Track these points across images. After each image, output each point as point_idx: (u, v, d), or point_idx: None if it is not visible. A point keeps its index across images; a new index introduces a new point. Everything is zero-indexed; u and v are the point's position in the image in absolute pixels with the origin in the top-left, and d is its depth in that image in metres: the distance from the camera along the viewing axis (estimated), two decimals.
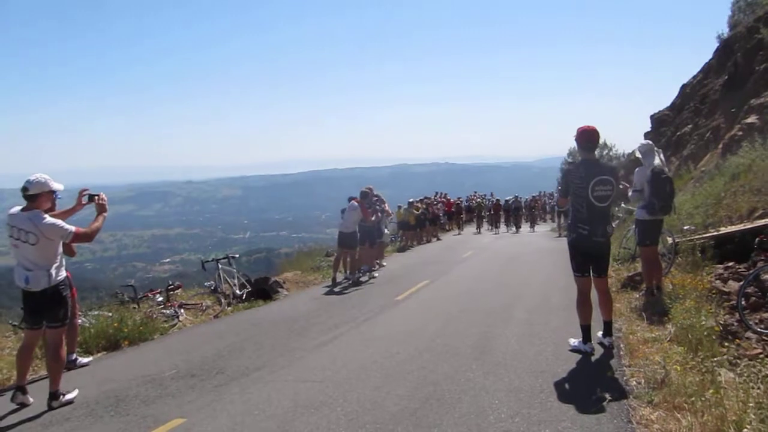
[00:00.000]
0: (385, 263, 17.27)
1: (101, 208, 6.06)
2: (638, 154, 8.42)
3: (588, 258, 6.15)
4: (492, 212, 34.33)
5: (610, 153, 39.80)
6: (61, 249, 5.79)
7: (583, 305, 6.20)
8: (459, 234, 31.37)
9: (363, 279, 13.94)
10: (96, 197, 6.15)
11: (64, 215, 6.38)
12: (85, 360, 7.46)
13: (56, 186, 5.86)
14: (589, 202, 5.86)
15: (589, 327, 6.20)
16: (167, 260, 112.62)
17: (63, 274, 5.78)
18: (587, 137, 6.03)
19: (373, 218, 14.31)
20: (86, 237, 5.82)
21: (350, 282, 13.53)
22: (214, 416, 5.11)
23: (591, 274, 6.17)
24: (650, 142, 8.76)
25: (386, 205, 16.89)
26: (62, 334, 5.88)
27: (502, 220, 34.26)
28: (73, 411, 5.50)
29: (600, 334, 6.25)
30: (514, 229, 32.75)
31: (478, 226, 34.31)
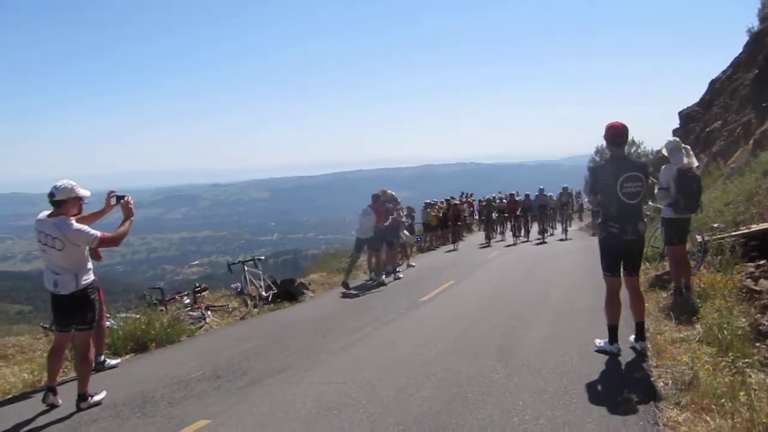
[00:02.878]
0: (413, 263, 17.35)
1: (128, 212, 6.09)
2: (665, 152, 8.28)
3: (619, 256, 6.07)
4: (506, 214, 27.02)
5: (638, 150, 38.98)
6: (87, 253, 5.85)
7: (612, 305, 6.11)
8: (454, 249, 22.83)
9: (387, 280, 13.95)
10: (123, 199, 6.16)
11: (93, 218, 6.46)
12: (113, 362, 7.57)
13: (83, 192, 5.88)
14: (618, 199, 5.75)
15: (616, 327, 6.11)
16: (196, 262, 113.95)
17: (91, 277, 5.85)
18: (615, 133, 5.94)
19: (387, 222, 14.12)
20: (112, 242, 5.89)
21: (375, 283, 13.57)
22: (238, 417, 5.14)
23: (621, 274, 6.09)
24: (677, 139, 8.61)
25: (400, 208, 16.66)
26: (90, 336, 5.96)
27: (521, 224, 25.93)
28: (101, 412, 5.58)
29: (632, 338, 6.11)
30: (537, 236, 24.91)
31: (488, 236, 24.80)
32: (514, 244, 23.37)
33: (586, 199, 29.93)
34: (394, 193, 15.67)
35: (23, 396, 6.50)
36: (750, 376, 4.35)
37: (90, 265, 5.91)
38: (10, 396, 6.50)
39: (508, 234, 27.10)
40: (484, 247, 23.22)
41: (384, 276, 14.06)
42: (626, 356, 5.94)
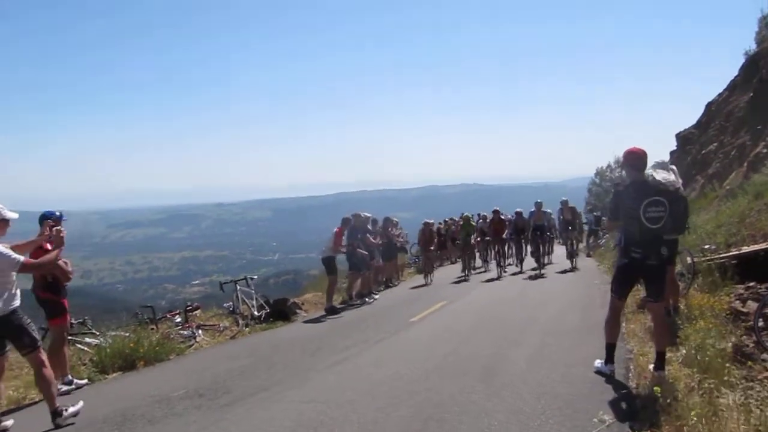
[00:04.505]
0: (376, 296, 14.96)
1: (58, 241, 6.08)
2: (651, 172, 8.30)
3: (635, 282, 6.19)
4: (488, 237, 20.24)
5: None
6: (13, 278, 5.65)
7: (613, 323, 6.14)
8: (425, 285, 17.41)
9: (356, 302, 13.88)
10: (55, 227, 6.23)
11: (29, 246, 6.45)
12: (81, 382, 7.53)
13: (10, 215, 5.77)
14: (641, 224, 5.68)
15: (614, 346, 6.13)
16: (197, 282, 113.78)
17: (16, 303, 5.69)
18: (636, 158, 5.90)
19: (342, 247, 13.83)
20: (37, 268, 5.92)
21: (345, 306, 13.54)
22: None
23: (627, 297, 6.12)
24: (664, 160, 8.64)
25: (399, 232, 16.61)
26: (39, 355, 5.82)
27: (511, 250, 21.44)
28: (80, 430, 5.58)
29: (651, 367, 5.90)
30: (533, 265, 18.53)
31: (466, 266, 19.32)
32: (498, 278, 17.68)
33: (585, 219, 29.20)
34: (369, 215, 15.74)
35: (7, 412, 6.46)
36: (720, 398, 4.34)
37: (16, 290, 5.72)
38: None
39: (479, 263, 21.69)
40: (460, 281, 17.83)
41: (351, 300, 14.07)
42: (607, 378, 5.92)
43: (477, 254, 21.61)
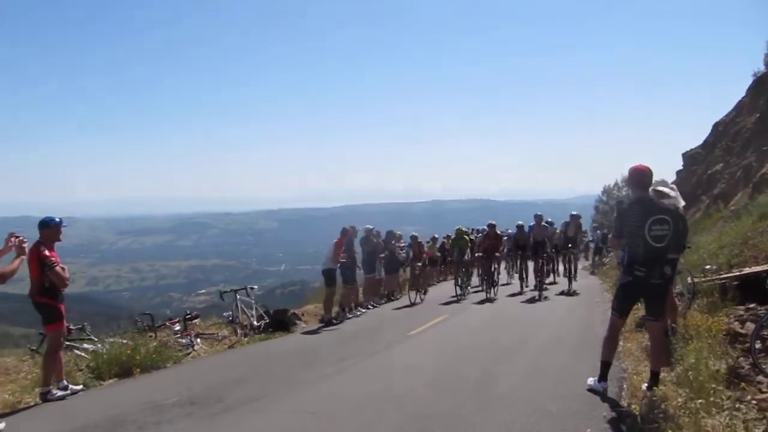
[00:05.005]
0: (361, 310, 14.78)
1: (20, 251, 6.11)
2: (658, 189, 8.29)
3: (636, 301, 6.19)
4: (481, 253, 17.57)
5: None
6: None
7: (611, 341, 6.12)
8: (411, 304, 15.74)
9: (336, 321, 13.22)
10: (16, 237, 6.22)
11: None
12: (76, 387, 7.50)
13: None
14: (646, 242, 5.65)
15: (609, 365, 6.10)
16: (203, 291, 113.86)
17: None
18: (642, 175, 5.90)
19: (342, 258, 13.77)
20: None
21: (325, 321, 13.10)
22: None
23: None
24: (664, 179, 8.63)
25: (401, 245, 16.96)
26: None
27: (508, 266, 20.69)
28: None
29: (645, 386, 5.88)
30: (528, 282, 17.90)
31: (461, 284, 17.12)
32: (489, 300, 16.03)
33: (591, 237, 28.95)
34: (371, 228, 15.95)
35: (2, 416, 6.52)
36: (703, 418, 4.31)
37: None
38: None
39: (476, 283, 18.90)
40: (450, 302, 15.95)
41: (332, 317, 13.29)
42: (601, 396, 5.89)
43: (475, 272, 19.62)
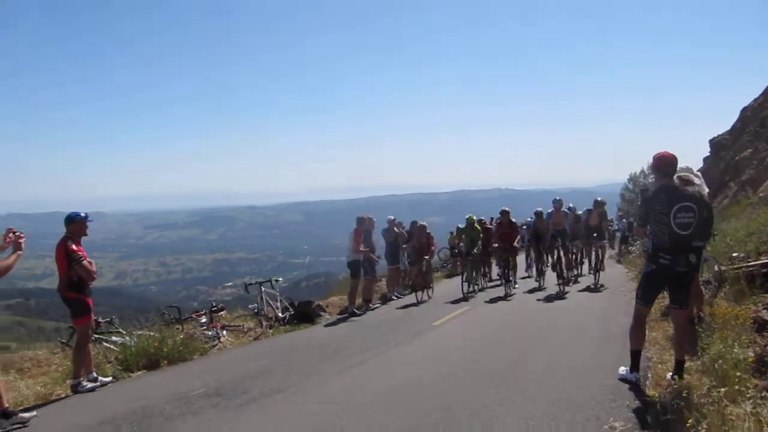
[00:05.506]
0: (375, 305, 14.37)
1: (17, 247, 6.06)
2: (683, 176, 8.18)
3: (662, 289, 6.12)
4: (496, 245, 16.21)
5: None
6: None
7: (638, 330, 6.07)
8: (415, 303, 14.08)
9: (358, 312, 13.12)
10: (14, 233, 6.14)
11: None
12: (106, 379, 7.68)
13: None
14: (671, 230, 5.58)
15: (639, 353, 6.07)
16: (229, 284, 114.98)
17: None
18: (667, 162, 5.84)
19: (362, 248, 13.58)
20: None
21: (347, 314, 12.97)
22: None
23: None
24: (689, 165, 8.52)
25: (428, 234, 15.82)
26: None
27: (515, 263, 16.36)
28: (100, 426, 5.74)
29: (669, 375, 5.85)
30: (557, 281, 14.99)
31: (467, 281, 14.85)
32: (505, 297, 14.45)
33: (617, 226, 28.51)
34: (392, 218, 15.88)
35: (35, 407, 6.70)
36: (726, 407, 4.27)
37: None
38: (22, 407, 6.67)
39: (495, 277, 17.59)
40: (458, 301, 14.02)
41: (353, 308, 13.22)
42: (623, 386, 5.86)
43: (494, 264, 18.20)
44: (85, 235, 7.59)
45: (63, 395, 7.20)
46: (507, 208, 16.26)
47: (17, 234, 6.09)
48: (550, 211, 16.18)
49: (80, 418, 6.07)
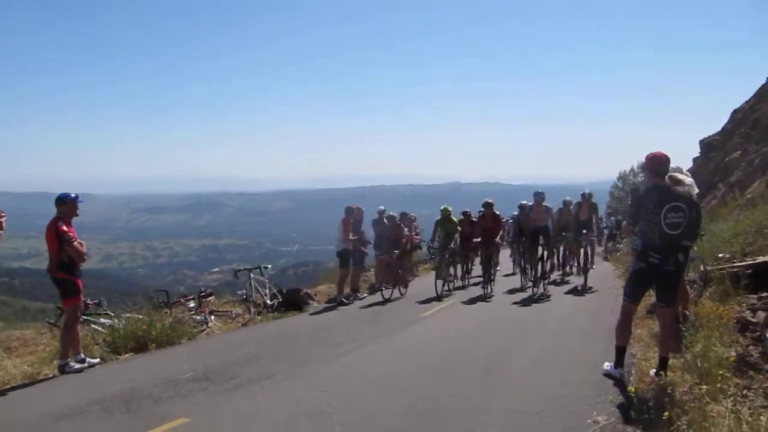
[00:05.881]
0: (362, 295, 14.25)
1: None
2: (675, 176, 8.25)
3: (649, 287, 6.23)
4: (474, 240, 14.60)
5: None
6: None
7: (624, 327, 6.16)
8: (381, 301, 12.99)
9: (346, 302, 13.08)
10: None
11: None
12: (93, 361, 7.65)
13: None
14: (661, 229, 5.65)
15: (624, 350, 6.16)
16: (216, 270, 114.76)
17: None
18: (660, 162, 5.89)
19: (352, 236, 13.53)
20: None
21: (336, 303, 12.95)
22: (216, 418, 5.32)
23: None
24: (679, 165, 8.59)
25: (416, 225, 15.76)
26: None
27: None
28: (88, 406, 5.75)
29: (653, 372, 5.94)
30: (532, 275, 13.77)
31: (441, 277, 13.66)
32: (483, 298, 13.04)
33: (605, 223, 28.46)
34: (382, 208, 15.56)
35: (22, 386, 6.74)
36: (708, 403, 4.36)
37: None
38: (9, 386, 6.73)
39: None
40: (429, 300, 12.81)
41: (343, 298, 13.20)
42: (607, 382, 5.95)
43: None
44: (76, 215, 7.58)
45: (50, 375, 7.22)
46: (491, 200, 14.59)
47: (0, 214, 6.02)
48: (530, 204, 14.90)
49: (68, 398, 6.08)
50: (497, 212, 14.55)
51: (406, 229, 15.12)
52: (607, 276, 16.43)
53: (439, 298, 12.88)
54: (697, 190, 8.60)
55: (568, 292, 13.60)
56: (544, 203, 14.28)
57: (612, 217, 28.39)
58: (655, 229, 5.68)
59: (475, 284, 14.90)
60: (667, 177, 6.22)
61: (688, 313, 7.89)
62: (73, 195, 7.57)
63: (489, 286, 13.71)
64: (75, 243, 7.27)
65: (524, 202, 15.62)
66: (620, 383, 5.81)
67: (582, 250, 15.15)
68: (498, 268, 16.55)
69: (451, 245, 14.10)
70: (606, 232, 25.65)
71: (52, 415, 5.53)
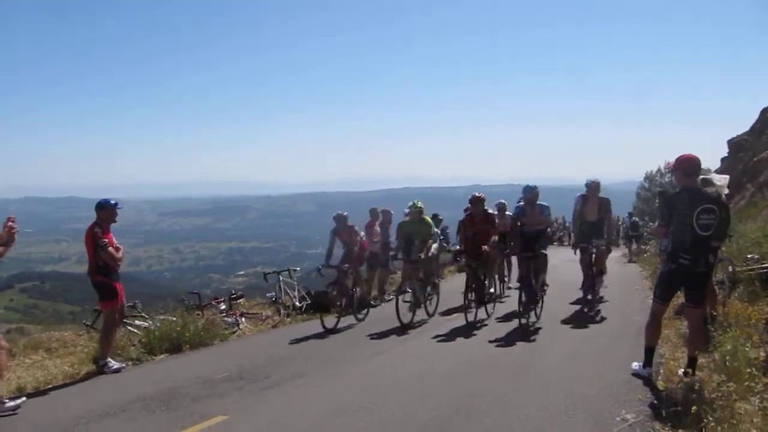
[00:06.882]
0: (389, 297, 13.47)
1: (10, 238, 6.05)
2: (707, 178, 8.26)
3: (678, 288, 6.26)
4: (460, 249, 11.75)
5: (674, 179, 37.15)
6: None
7: (653, 327, 6.20)
8: (323, 331, 9.90)
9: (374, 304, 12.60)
10: (9, 224, 6.09)
11: None
12: (116, 365, 7.69)
13: None
14: (693, 231, 5.71)
15: (653, 350, 6.21)
16: (242, 273, 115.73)
17: None
18: (691, 164, 5.93)
19: (375, 240, 13.02)
20: None
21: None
22: (254, 415, 5.52)
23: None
24: (709, 167, 8.59)
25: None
26: None
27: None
28: (130, 404, 5.99)
29: (681, 371, 6.00)
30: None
31: (414, 297, 10.42)
32: (473, 325, 9.69)
33: (626, 223, 27.88)
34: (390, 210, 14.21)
35: (63, 386, 7.00)
36: (736, 401, 4.42)
37: None
38: (51, 386, 7.00)
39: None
40: (384, 335, 9.43)
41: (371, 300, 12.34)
42: (635, 380, 6.01)
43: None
44: (114, 222, 7.81)
45: (90, 375, 7.45)
46: (480, 194, 10.65)
47: (11, 226, 6.06)
48: (519, 203, 11.01)
49: (109, 396, 6.31)
50: (490, 210, 10.97)
51: (361, 234, 11.87)
52: (634, 277, 16.32)
53: (404, 327, 9.68)
54: (727, 191, 8.60)
55: (567, 321, 9.88)
56: (537, 202, 10.32)
57: (628, 219, 27.54)
58: (687, 231, 5.74)
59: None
60: (705, 177, 6.27)
61: (716, 313, 7.90)
62: (112, 201, 7.81)
63: (475, 312, 10.04)
64: (109, 249, 7.48)
65: (502, 201, 13.67)
66: (648, 382, 5.88)
67: (590, 257, 10.81)
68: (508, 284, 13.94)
69: (421, 255, 10.61)
70: (630, 232, 24.96)
71: (95, 412, 5.76)
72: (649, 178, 49.73)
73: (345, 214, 11.56)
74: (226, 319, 10.75)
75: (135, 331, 9.50)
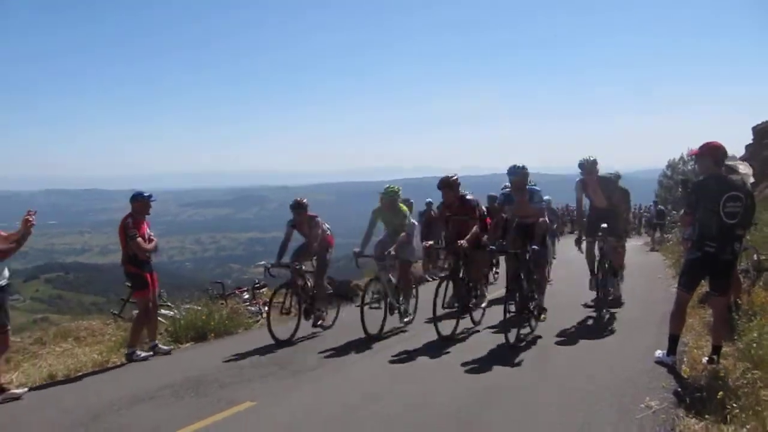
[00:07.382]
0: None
1: (26, 232, 6.10)
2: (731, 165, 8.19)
3: (703, 276, 6.22)
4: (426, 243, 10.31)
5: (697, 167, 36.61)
6: None
7: (678, 316, 6.18)
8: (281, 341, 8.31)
9: None
10: (27, 218, 6.11)
11: (10, 237, 6.18)
12: (142, 354, 7.81)
13: None
14: (719, 218, 5.70)
15: (677, 338, 6.20)
16: (262, 263, 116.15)
17: (2, 282, 6.07)
18: (718, 152, 5.92)
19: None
20: (2, 254, 6.01)
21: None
22: (282, 401, 5.65)
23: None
24: (734, 155, 8.50)
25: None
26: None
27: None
28: (159, 391, 6.12)
29: (705, 359, 5.99)
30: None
31: (378, 301, 9.14)
32: (445, 338, 7.90)
33: (651, 211, 27.44)
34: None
35: (93, 373, 7.17)
36: (761, 388, 4.42)
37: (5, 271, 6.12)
38: (81, 373, 7.17)
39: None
40: (342, 351, 7.75)
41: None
42: (659, 368, 6.02)
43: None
44: (148, 213, 8.01)
45: (119, 363, 7.62)
46: (454, 176, 8.71)
47: (28, 219, 6.08)
48: (504, 190, 9.52)
49: (138, 383, 6.46)
50: (469, 196, 8.77)
51: (325, 226, 9.81)
52: (657, 266, 16.19)
53: (370, 339, 8.20)
54: (752, 180, 8.51)
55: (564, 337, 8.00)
56: (528, 186, 8.28)
57: (652, 207, 27.07)
58: (714, 218, 5.73)
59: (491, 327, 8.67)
60: (729, 164, 6.23)
61: (740, 302, 7.86)
62: (146, 194, 8.00)
63: (458, 319, 8.24)
64: (138, 239, 7.65)
65: (492, 193, 12.47)
66: (672, 370, 5.88)
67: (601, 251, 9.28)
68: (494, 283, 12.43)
69: (391, 251, 8.78)
70: (654, 220, 24.45)
71: (125, 398, 5.91)
72: (671, 166, 49.19)
73: (305, 200, 9.40)
74: (249, 308, 10.89)
75: (161, 320, 9.66)
